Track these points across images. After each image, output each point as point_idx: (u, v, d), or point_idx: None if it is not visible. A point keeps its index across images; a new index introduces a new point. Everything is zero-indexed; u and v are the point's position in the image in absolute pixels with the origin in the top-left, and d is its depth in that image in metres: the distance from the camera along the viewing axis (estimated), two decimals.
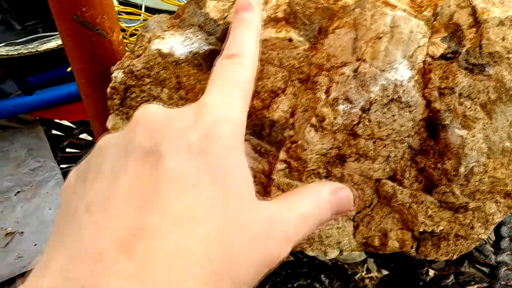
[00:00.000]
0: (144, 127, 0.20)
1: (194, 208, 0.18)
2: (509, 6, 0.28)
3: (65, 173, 0.44)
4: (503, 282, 0.35)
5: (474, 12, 0.27)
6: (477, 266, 0.38)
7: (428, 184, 0.31)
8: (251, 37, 0.26)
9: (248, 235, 0.19)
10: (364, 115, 0.28)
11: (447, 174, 0.30)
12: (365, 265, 0.97)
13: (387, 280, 0.36)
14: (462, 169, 0.29)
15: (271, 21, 0.29)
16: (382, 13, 0.26)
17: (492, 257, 0.37)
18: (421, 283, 0.35)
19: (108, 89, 0.30)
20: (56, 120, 0.53)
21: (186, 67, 0.29)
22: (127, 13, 0.49)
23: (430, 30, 0.28)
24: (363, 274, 0.95)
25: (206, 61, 0.29)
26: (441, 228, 0.32)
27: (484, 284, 0.35)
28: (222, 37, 0.30)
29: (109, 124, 0.32)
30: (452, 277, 0.36)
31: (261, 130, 0.31)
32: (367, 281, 0.94)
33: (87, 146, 0.49)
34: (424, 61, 0.28)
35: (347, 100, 0.28)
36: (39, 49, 0.47)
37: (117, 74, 0.30)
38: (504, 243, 0.39)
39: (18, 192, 0.41)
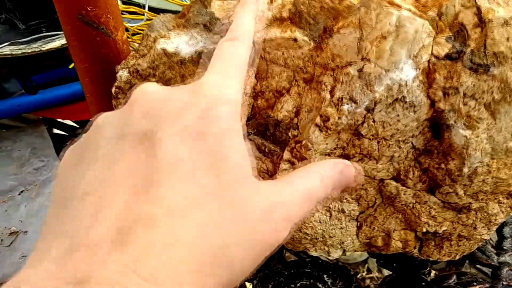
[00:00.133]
0: (141, 108, 0.20)
1: (190, 196, 0.18)
2: None
3: None
4: (505, 283, 0.35)
5: (479, 12, 0.27)
6: (479, 266, 0.38)
7: (432, 184, 0.31)
8: (249, 20, 0.27)
9: (246, 221, 0.19)
10: (368, 115, 0.28)
11: (451, 175, 0.30)
12: (366, 265, 0.97)
13: (389, 280, 0.36)
14: (465, 170, 0.29)
15: (276, 20, 0.29)
16: (387, 13, 0.26)
17: (494, 257, 0.37)
18: (423, 283, 0.35)
19: (113, 89, 0.30)
20: (60, 120, 0.53)
21: (191, 67, 0.29)
22: (130, 13, 0.50)
23: (435, 29, 0.28)
24: (364, 274, 0.95)
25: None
26: (444, 228, 0.32)
27: (486, 285, 0.35)
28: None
29: None
30: (454, 277, 0.36)
31: (266, 130, 0.31)
32: (368, 281, 0.94)
33: None
34: (428, 61, 0.28)
35: (352, 100, 0.28)
36: (42, 49, 0.47)
37: (122, 74, 0.30)
38: (507, 244, 0.39)
39: (22, 191, 0.41)
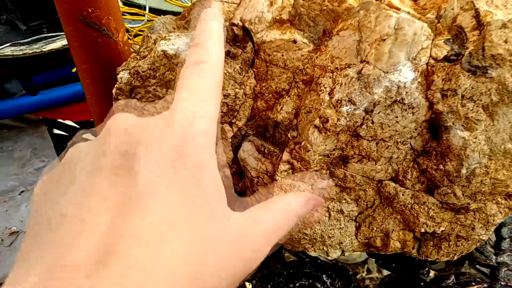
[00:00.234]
0: (116, 138, 0.20)
1: (163, 227, 0.18)
2: None
3: None
4: (503, 283, 0.35)
5: (477, 15, 0.27)
6: (478, 266, 0.38)
7: (430, 185, 0.31)
8: (214, 43, 0.26)
9: (216, 256, 0.19)
10: (367, 116, 0.29)
11: (449, 176, 0.30)
12: (366, 266, 0.97)
13: (388, 281, 0.36)
14: (464, 171, 0.29)
15: (276, 22, 0.30)
16: (386, 15, 0.26)
17: (492, 257, 0.38)
18: (422, 284, 0.35)
19: (114, 90, 0.30)
20: (60, 120, 0.53)
21: None
22: (131, 14, 0.50)
23: (434, 32, 0.28)
24: (364, 274, 0.95)
25: None
26: (442, 229, 0.32)
27: (485, 285, 0.35)
28: (228, 39, 0.30)
29: None
30: (452, 277, 0.36)
31: (265, 131, 0.31)
32: (367, 281, 0.94)
33: None
34: (427, 63, 0.28)
35: (351, 101, 0.28)
36: (43, 49, 0.47)
37: (123, 75, 0.30)
38: (505, 244, 0.39)
39: (23, 191, 0.42)
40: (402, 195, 0.31)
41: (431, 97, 0.29)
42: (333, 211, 0.32)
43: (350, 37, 0.28)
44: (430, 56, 0.28)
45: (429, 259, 0.34)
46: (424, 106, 0.29)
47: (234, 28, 0.29)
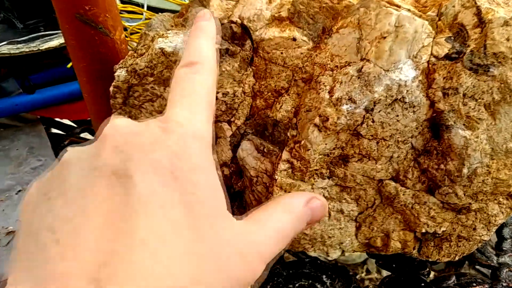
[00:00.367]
0: (112, 143, 0.19)
1: (161, 233, 0.17)
2: None
3: None
4: (504, 284, 0.35)
5: (478, 12, 0.27)
6: (479, 267, 0.38)
7: (431, 185, 0.31)
8: (207, 44, 0.25)
9: (217, 259, 0.19)
10: (367, 115, 0.28)
11: (450, 175, 0.30)
12: (365, 266, 0.97)
13: (388, 281, 0.36)
14: (465, 170, 0.29)
15: (275, 20, 0.29)
16: (387, 13, 0.26)
17: (494, 258, 0.37)
18: (422, 284, 0.35)
19: (111, 88, 0.30)
20: (57, 119, 0.53)
21: None
22: (129, 12, 0.49)
23: (435, 30, 0.28)
24: (363, 275, 0.95)
25: None
26: (443, 229, 0.32)
27: (486, 286, 0.35)
28: (226, 36, 0.29)
29: None
30: (453, 278, 0.36)
31: (264, 130, 0.31)
32: (367, 282, 0.94)
33: None
34: (428, 61, 0.28)
35: (351, 100, 0.28)
36: (41, 48, 0.47)
37: (120, 73, 0.29)
38: (506, 245, 0.38)
39: (20, 190, 0.41)
40: (403, 194, 0.31)
41: (432, 96, 0.28)
42: (333, 210, 0.31)
43: (350, 34, 0.27)
44: (431, 54, 0.28)
45: (430, 260, 0.33)
46: (425, 105, 0.28)
47: (233, 25, 0.29)
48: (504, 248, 0.38)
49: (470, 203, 0.31)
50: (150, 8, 0.51)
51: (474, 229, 0.32)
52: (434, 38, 0.28)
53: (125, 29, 0.42)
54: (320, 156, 0.29)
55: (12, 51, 0.46)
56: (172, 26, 0.30)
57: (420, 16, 0.27)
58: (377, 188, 0.31)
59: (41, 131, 0.49)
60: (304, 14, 0.29)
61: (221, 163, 0.33)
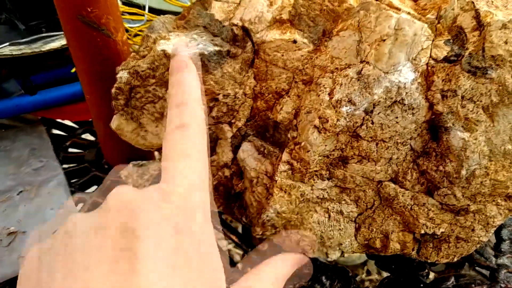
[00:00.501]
0: (117, 215, 0.20)
1: None
2: None
3: (67, 173, 0.44)
4: (503, 285, 0.35)
5: (477, 15, 0.27)
6: (478, 268, 0.38)
7: (430, 186, 0.31)
8: (193, 99, 0.25)
9: None
10: (367, 117, 0.28)
11: (449, 177, 0.30)
12: (365, 268, 0.97)
13: (387, 282, 0.36)
14: (463, 172, 0.29)
15: (276, 22, 0.30)
16: (386, 16, 0.26)
17: (492, 259, 0.37)
18: (421, 285, 0.35)
19: (113, 90, 0.30)
20: (59, 120, 0.53)
21: None
22: (130, 14, 0.50)
23: (434, 32, 0.28)
24: (363, 276, 0.95)
25: (211, 62, 0.29)
26: (442, 230, 0.32)
27: (485, 287, 0.35)
28: (228, 38, 0.30)
29: (114, 124, 0.32)
30: (452, 279, 0.36)
31: (265, 131, 0.31)
32: (367, 283, 0.94)
33: (90, 146, 0.49)
34: (427, 64, 0.28)
35: (351, 102, 0.28)
36: (42, 49, 0.47)
37: (122, 75, 0.30)
38: (505, 246, 0.39)
39: (21, 191, 0.41)
40: (402, 196, 0.31)
41: (431, 98, 0.29)
42: (332, 212, 0.31)
43: (350, 37, 0.28)
44: (430, 56, 0.28)
45: (429, 261, 0.34)
46: (424, 107, 0.29)
47: (234, 28, 0.29)
48: (502, 250, 0.38)
49: (468, 205, 0.31)
50: (151, 10, 0.51)
51: (473, 230, 0.32)
52: (433, 40, 0.28)
53: (127, 30, 0.42)
54: (320, 158, 0.29)
55: (14, 52, 0.46)
56: (174, 28, 0.31)
57: (419, 19, 0.27)
58: (376, 190, 0.31)
59: (42, 132, 0.49)
60: (304, 16, 0.29)
61: (221, 164, 0.33)
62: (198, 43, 0.29)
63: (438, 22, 0.28)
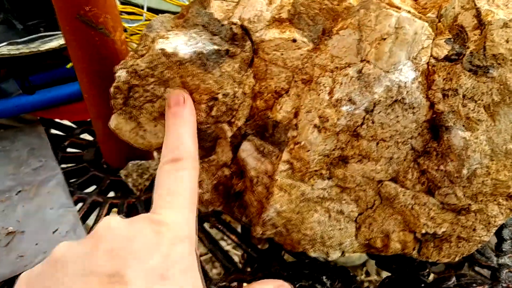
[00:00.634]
0: (106, 245, 0.20)
1: None
2: None
3: (66, 173, 0.44)
4: (504, 285, 0.35)
5: (478, 14, 0.27)
6: (479, 268, 0.38)
7: (431, 186, 0.31)
8: (188, 134, 0.27)
9: None
10: (367, 116, 0.28)
11: (450, 176, 0.30)
12: (364, 269, 0.97)
13: (388, 282, 0.36)
14: (465, 171, 0.29)
15: (275, 21, 0.29)
16: (387, 14, 0.26)
17: (493, 259, 0.37)
18: (422, 285, 0.35)
19: (112, 89, 0.30)
20: (57, 120, 0.53)
21: (190, 67, 0.29)
22: (128, 13, 0.49)
23: (434, 31, 0.28)
24: (363, 277, 0.95)
25: (210, 61, 0.29)
26: (443, 230, 0.32)
27: (486, 286, 0.35)
28: (227, 37, 0.29)
29: (112, 123, 0.31)
30: (453, 279, 0.36)
31: (264, 131, 0.31)
32: (366, 284, 0.94)
33: (89, 146, 0.49)
34: (428, 63, 0.28)
35: (351, 101, 0.28)
36: (41, 49, 0.47)
37: (121, 74, 0.29)
38: (506, 246, 0.38)
39: (20, 191, 0.41)
40: (403, 195, 0.31)
41: (432, 97, 0.28)
42: (333, 211, 0.31)
43: (350, 36, 0.28)
44: (431, 55, 0.28)
45: (430, 260, 0.34)
46: (424, 106, 0.29)
47: (233, 26, 0.29)
48: (504, 249, 0.38)
49: (469, 204, 0.31)
50: (149, 9, 0.51)
51: (474, 230, 0.32)
52: (433, 39, 0.28)
53: (125, 30, 0.42)
54: (320, 157, 0.29)
55: (12, 52, 0.46)
56: (172, 27, 0.30)
57: (420, 18, 0.27)
58: (376, 189, 0.31)
59: (41, 132, 0.49)
60: (304, 15, 0.29)
61: (221, 164, 0.33)
62: (197, 42, 0.29)
63: (439, 21, 0.28)
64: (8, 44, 0.47)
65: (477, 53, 0.27)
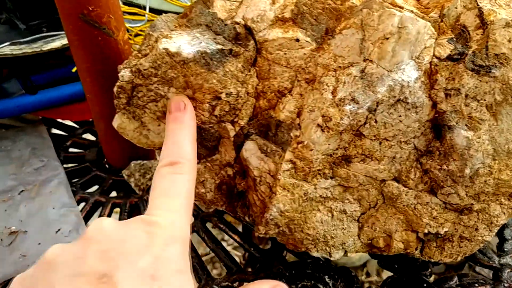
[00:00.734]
0: (97, 246, 0.21)
1: None
2: None
3: (68, 173, 0.44)
4: (506, 285, 0.35)
5: (480, 14, 0.27)
6: (481, 268, 0.38)
7: (433, 185, 0.31)
8: (187, 138, 0.27)
9: None
10: (370, 115, 0.28)
11: (452, 176, 0.30)
12: (365, 269, 0.97)
13: (390, 282, 0.36)
14: (467, 171, 0.29)
15: (279, 21, 0.29)
16: (390, 14, 0.26)
17: (495, 259, 0.37)
18: (424, 285, 0.35)
19: (115, 88, 0.30)
20: (59, 120, 0.53)
21: (193, 66, 0.29)
22: (130, 13, 0.50)
23: (437, 31, 0.28)
24: (363, 278, 0.95)
25: (213, 60, 0.29)
26: (445, 229, 0.32)
27: (488, 286, 0.35)
28: (230, 37, 0.30)
29: (115, 123, 0.32)
30: (455, 279, 0.36)
31: (268, 130, 0.31)
32: (367, 285, 0.94)
33: (91, 146, 0.49)
34: (430, 62, 0.28)
35: (354, 100, 0.28)
36: (43, 49, 0.47)
37: (124, 73, 0.29)
38: (508, 245, 0.39)
39: (22, 191, 0.41)
40: (405, 195, 0.31)
41: (434, 97, 0.29)
42: (336, 211, 0.31)
43: (353, 35, 0.28)
44: (434, 55, 0.28)
45: (432, 260, 0.34)
46: (427, 106, 0.29)
47: (236, 26, 0.29)
48: (505, 249, 0.38)
49: (472, 204, 0.31)
50: (151, 10, 0.51)
51: (476, 229, 0.32)
52: (436, 39, 0.28)
53: (128, 30, 0.42)
54: (323, 156, 0.29)
55: (14, 52, 0.46)
56: (176, 27, 0.30)
57: (422, 17, 0.27)
58: (379, 189, 0.31)
59: (43, 132, 0.49)
60: (307, 15, 0.29)
61: (224, 163, 0.33)
62: (200, 41, 0.29)
63: (441, 21, 0.28)
64: (10, 44, 0.47)
65: (479, 53, 0.27)
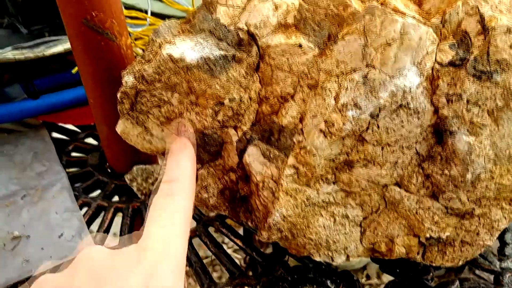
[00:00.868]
0: (85, 275, 0.21)
1: None
2: None
3: (70, 178, 0.44)
4: None
5: (482, 20, 0.28)
6: (482, 272, 0.38)
7: (435, 190, 0.31)
8: (187, 161, 0.29)
9: None
10: (373, 121, 0.29)
11: (454, 180, 0.30)
12: (365, 272, 0.97)
13: (392, 286, 0.36)
14: (469, 176, 0.29)
15: (281, 27, 0.30)
16: (392, 20, 0.26)
17: (496, 263, 0.37)
18: None
19: (119, 94, 0.30)
20: (61, 124, 0.53)
21: (197, 72, 0.29)
22: (131, 18, 0.50)
23: (439, 37, 0.28)
24: (363, 280, 0.95)
25: (217, 66, 0.29)
26: (447, 234, 0.32)
27: None
28: (233, 43, 0.30)
29: (119, 128, 0.32)
30: (457, 283, 0.36)
31: (270, 135, 0.31)
32: (367, 287, 0.94)
33: (93, 150, 0.49)
34: (432, 68, 0.28)
35: (356, 106, 0.28)
36: (45, 53, 0.47)
37: (128, 79, 0.30)
38: (509, 249, 0.39)
39: (24, 195, 0.41)
40: (407, 200, 0.31)
41: (436, 102, 0.29)
42: (338, 216, 0.31)
43: (355, 41, 0.28)
44: (435, 61, 0.28)
45: (434, 265, 0.34)
46: (429, 111, 0.29)
47: (239, 32, 0.29)
48: (506, 253, 0.38)
49: (473, 208, 0.31)
50: (153, 14, 0.51)
51: (478, 234, 0.32)
52: (438, 45, 0.28)
53: (130, 34, 0.42)
54: (326, 162, 0.29)
55: (16, 56, 0.46)
56: (179, 32, 0.31)
57: (424, 23, 0.28)
58: (381, 193, 0.31)
59: (45, 136, 0.49)
60: (310, 21, 0.29)
61: (227, 168, 0.33)
62: (203, 47, 0.29)
63: (443, 26, 0.28)
64: (13, 49, 0.47)
65: (481, 59, 0.28)
